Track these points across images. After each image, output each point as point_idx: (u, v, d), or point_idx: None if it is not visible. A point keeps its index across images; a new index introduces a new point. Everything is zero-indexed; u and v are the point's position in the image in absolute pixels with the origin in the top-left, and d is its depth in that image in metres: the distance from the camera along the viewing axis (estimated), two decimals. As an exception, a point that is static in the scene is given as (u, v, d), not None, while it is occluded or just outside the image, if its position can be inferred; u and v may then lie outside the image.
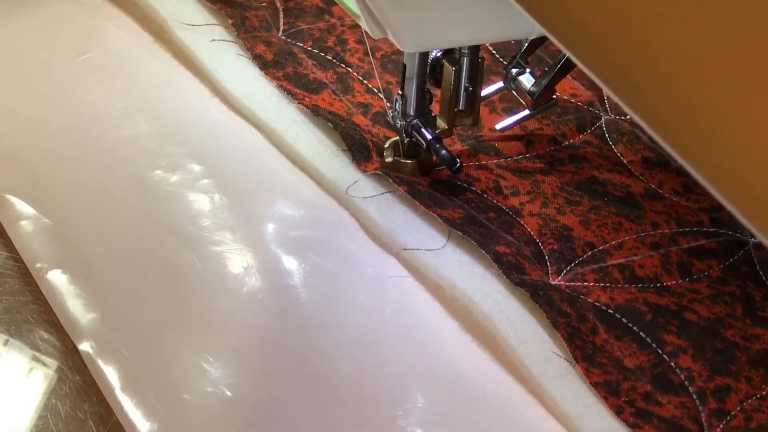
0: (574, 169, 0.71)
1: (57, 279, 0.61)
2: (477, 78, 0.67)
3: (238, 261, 0.64)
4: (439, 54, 0.66)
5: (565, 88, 0.76)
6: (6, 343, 0.60)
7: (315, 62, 0.77)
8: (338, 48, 0.78)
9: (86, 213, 0.67)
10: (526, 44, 0.71)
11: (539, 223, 0.67)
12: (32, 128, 0.74)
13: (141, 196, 0.68)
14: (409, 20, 0.57)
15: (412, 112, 0.67)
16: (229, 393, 0.56)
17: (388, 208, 0.67)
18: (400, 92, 0.67)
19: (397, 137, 0.70)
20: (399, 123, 0.67)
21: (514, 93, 0.72)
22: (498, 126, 0.72)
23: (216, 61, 0.76)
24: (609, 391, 0.56)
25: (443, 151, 0.66)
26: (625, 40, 0.34)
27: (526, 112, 0.71)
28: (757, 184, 0.30)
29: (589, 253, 0.65)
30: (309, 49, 0.78)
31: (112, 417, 0.55)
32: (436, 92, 0.68)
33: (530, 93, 0.70)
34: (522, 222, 0.67)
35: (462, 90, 0.67)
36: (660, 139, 0.34)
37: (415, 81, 0.66)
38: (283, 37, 0.78)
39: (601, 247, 0.65)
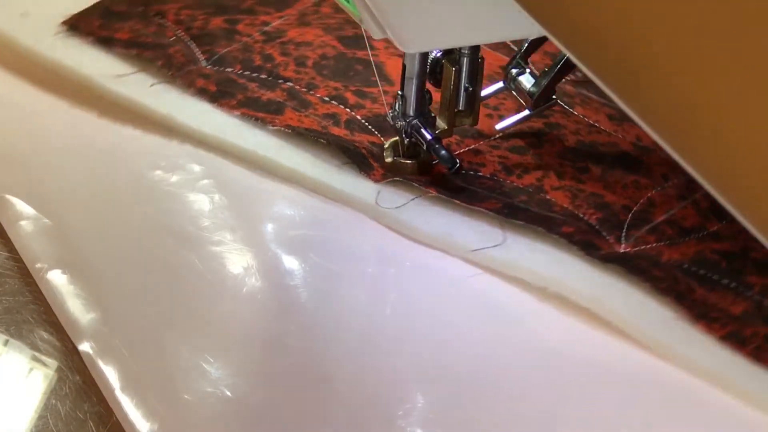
0: (558, 137, 0.72)
1: (57, 279, 0.61)
2: (477, 78, 0.67)
3: (238, 261, 0.64)
4: (439, 54, 0.66)
5: (491, 61, 0.75)
6: (6, 343, 0.60)
7: (257, 84, 0.76)
8: (268, 65, 0.77)
9: (86, 213, 0.67)
10: (526, 44, 0.71)
11: (568, 196, 0.67)
12: (32, 128, 0.74)
13: (141, 196, 0.68)
14: (410, 20, 0.57)
15: (411, 113, 0.67)
16: (229, 393, 0.56)
17: (422, 212, 0.67)
18: (399, 92, 0.67)
19: (396, 137, 0.70)
20: (399, 123, 0.68)
21: (514, 93, 0.72)
22: (498, 126, 0.72)
23: (166, 105, 0.74)
24: (737, 341, 0.57)
25: (443, 152, 0.66)
26: (624, 41, 0.34)
27: (526, 112, 0.72)
28: (757, 185, 0.30)
29: (630, 215, 0.65)
30: (241, 72, 0.77)
31: (112, 417, 0.55)
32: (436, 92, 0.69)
33: (530, 93, 0.70)
34: (549, 198, 0.67)
35: (462, 90, 0.67)
36: (660, 140, 0.34)
37: (414, 81, 0.66)
38: (210, 67, 0.77)
39: (636, 208, 0.66)
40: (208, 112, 0.74)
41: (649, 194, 0.67)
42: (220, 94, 0.74)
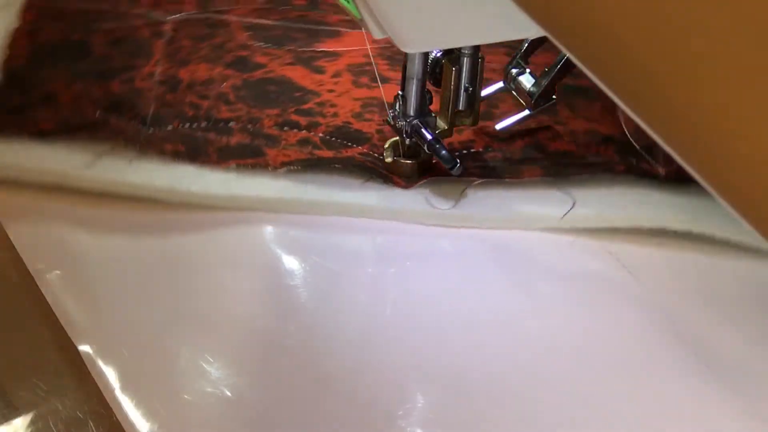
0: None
1: (57, 279, 0.61)
2: (477, 78, 0.67)
3: (238, 261, 0.64)
4: (439, 54, 0.66)
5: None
6: (6, 342, 0.60)
7: (214, 133, 0.73)
8: (202, 113, 0.75)
9: (85, 211, 0.67)
10: (526, 44, 0.71)
11: (572, 142, 0.69)
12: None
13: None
14: (410, 20, 0.57)
15: (412, 113, 0.67)
16: (229, 393, 0.56)
17: (477, 202, 0.67)
18: (400, 92, 0.67)
19: (397, 137, 0.70)
20: (399, 124, 0.68)
21: (514, 93, 0.72)
22: (498, 126, 0.72)
23: (159, 180, 0.69)
24: None
25: (443, 152, 0.66)
26: (625, 41, 0.34)
27: (526, 112, 0.72)
28: (760, 187, 0.30)
29: (632, 140, 0.68)
30: (184, 126, 0.73)
31: (112, 417, 0.55)
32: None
33: (530, 93, 0.70)
34: (557, 149, 0.69)
35: (462, 90, 0.67)
36: (661, 141, 0.34)
37: (415, 81, 0.66)
38: (153, 130, 0.73)
39: (629, 131, 0.69)
40: (200, 175, 0.70)
41: (620, 113, 0.69)
42: (194, 153, 0.71)
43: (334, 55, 0.79)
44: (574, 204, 0.66)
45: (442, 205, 0.67)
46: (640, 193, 0.67)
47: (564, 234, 0.65)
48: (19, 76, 0.78)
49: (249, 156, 0.71)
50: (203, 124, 0.74)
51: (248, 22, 0.83)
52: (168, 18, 0.83)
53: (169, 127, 0.74)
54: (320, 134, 0.72)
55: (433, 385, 0.57)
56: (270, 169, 0.70)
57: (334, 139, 0.72)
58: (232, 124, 0.74)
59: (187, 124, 0.74)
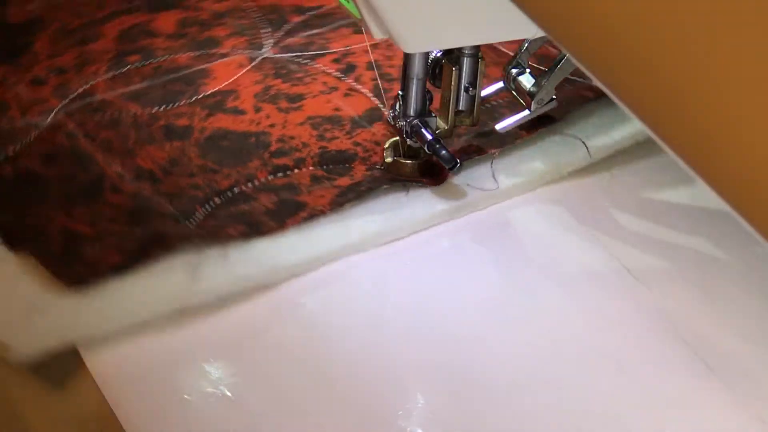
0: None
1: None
2: (477, 78, 0.67)
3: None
4: (439, 54, 0.66)
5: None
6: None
7: (242, 204, 0.69)
8: (206, 190, 0.70)
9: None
10: (526, 44, 0.71)
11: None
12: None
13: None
14: (410, 20, 0.57)
15: (412, 113, 0.67)
16: (229, 393, 0.56)
17: (505, 167, 0.71)
18: (400, 92, 0.67)
19: (397, 137, 0.70)
20: (399, 124, 0.68)
21: (514, 93, 0.72)
22: (498, 126, 0.72)
23: (264, 262, 0.65)
24: None
25: (443, 151, 0.66)
26: (624, 41, 0.34)
27: (526, 112, 0.72)
28: (759, 186, 0.30)
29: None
30: (209, 208, 0.68)
31: (113, 418, 0.55)
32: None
33: (530, 93, 0.70)
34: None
35: (462, 90, 0.67)
36: (661, 141, 0.34)
37: (415, 81, 0.66)
38: (193, 220, 0.68)
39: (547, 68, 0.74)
40: (280, 242, 0.66)
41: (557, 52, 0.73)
42: (253, 227, 0.67)
43: (231, 93, 0.77)
44: (584, 142, 0.72)
45: (488, 185, 0.69)
46: (618, 111, 0.71)
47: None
48: (16, 229, 0.68)
49: (296, 210, 0.68)
50: (218, 201, 0.69)
51: (124, 93, 0.78)
52: (48, 120, 0.75)
53: (198, 215, 0.68)
54: (310, 167, 0.70)
55: (433, 385, 0.58)
56: (327, 214, 0.67)
57: (330, 166, 0.71)
58: (236, 189, 0.69)
59: (206, 205, 0.69)
